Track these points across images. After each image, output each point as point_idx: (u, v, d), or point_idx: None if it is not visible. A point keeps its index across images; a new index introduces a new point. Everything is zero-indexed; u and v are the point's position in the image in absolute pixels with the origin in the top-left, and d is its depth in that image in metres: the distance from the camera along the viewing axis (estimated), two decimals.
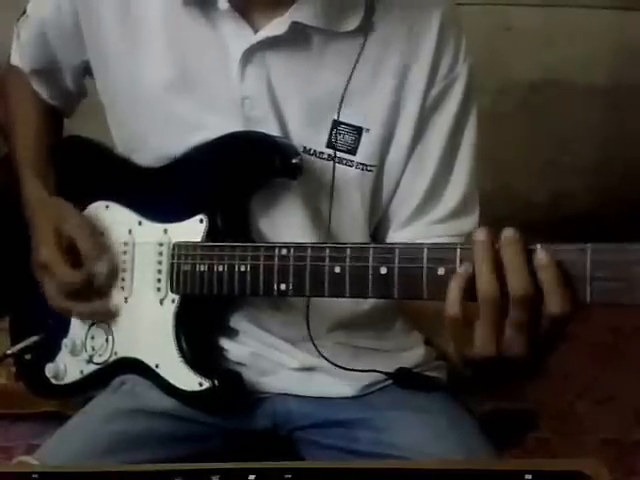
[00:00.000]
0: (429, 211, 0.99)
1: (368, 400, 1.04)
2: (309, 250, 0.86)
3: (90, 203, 1.03)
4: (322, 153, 0.96)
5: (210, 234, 0.95)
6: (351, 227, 0.99)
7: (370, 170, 0.97)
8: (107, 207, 1.03)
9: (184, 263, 0.96)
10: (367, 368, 1.02)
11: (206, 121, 0.96)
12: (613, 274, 0.70)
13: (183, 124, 0.97)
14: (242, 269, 0.90)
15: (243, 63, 0.94)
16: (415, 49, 0.94)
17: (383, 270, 0.80)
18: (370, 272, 0.81)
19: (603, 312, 1.95)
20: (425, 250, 0.78)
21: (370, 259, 0.81)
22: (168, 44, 0.95)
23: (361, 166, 0.97)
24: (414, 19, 0.94)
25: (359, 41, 0.94)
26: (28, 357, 1.08)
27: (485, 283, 0.72)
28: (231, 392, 0.99)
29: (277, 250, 0.87)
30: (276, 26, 0.92)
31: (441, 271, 0.77)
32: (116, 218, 1.02)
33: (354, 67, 0.94)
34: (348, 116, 0.96)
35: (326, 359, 0.99)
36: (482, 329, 0.73)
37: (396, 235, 1.00)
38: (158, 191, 1.01)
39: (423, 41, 0.94)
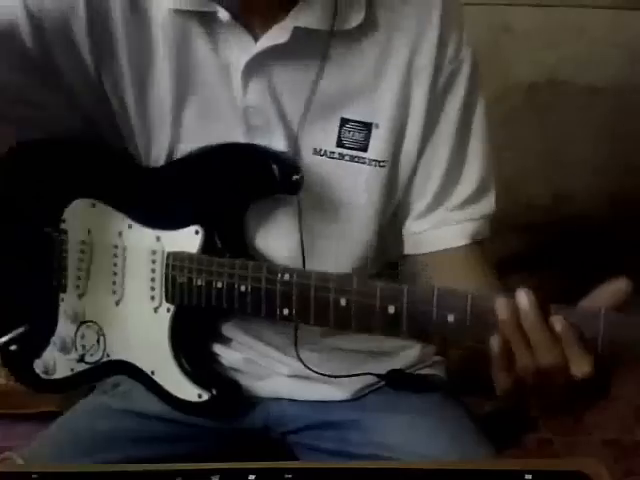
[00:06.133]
0: (447, 198, 0.99)
1: (361, 402, 1.04)
2: (313, 278, 0.84)
3: (75, 198, 1.01)
4: (333, 152, 0.95)
5: (206, 247, 0.94)
6: (359, 224, 0.98)
7: (383, 165, 0.96)
8: (93, 205, 1.00)
9: (180, 275, 0.94)
10: (360, 371, 1.01)
11: (209, 130, 0.95)
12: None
13: (188, 138, 0.96)
14: (242, 289, 0.89)
15: (246, 74, 0.92)
16: (419, 38, 0.93)
17: (391, 309, 0.79)
18: (377, 310, 0.80)
19: None
20: (435, 296, 0.77)
21: (377, 297, 0.80)
22: (171, 58, 0.93)
23: (374, 162, 0.96)
24: (415, 8, 0.93)
25: (362, 37, 0.93)
26: (14, 348, 1.07)
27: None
28: (230, 401, 0.99)
29: (280, 275, 0.86)
30: (278, 33, 0.90)
31: (451, 318, 0.76)
32: (103, 218, 0.99)
33: (358, 63, 0.94)
34: (356, 113, 0.95)
35: (314, 371, 0.99)
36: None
37: (415, 224, 1.00)
38: (150, 194, 0.99)
39: (426, 30, 0.93)
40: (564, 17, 2.00)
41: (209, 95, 0.94)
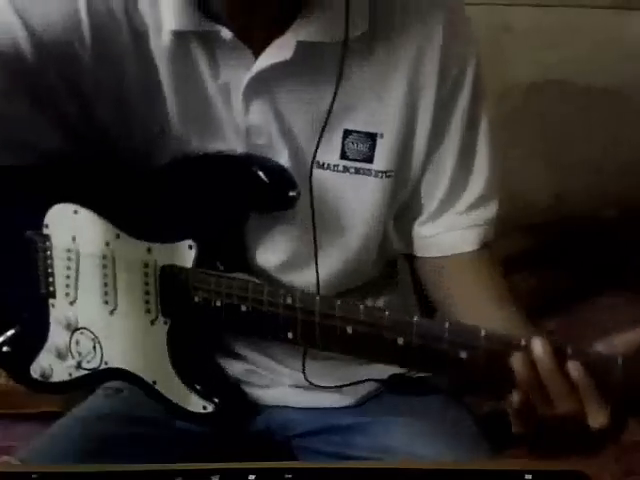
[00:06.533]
0: (455, 203, 0.99)
1: (364, 407, 1.04)
2: (317, 304, 0.82)
3: (55, 203, 0.99)
4: (337, 166, 0.94)
5: (201, 262, 0.92)
6: (364, 233, 0.97)
7: (389, 176, 0.95)
8: (75, 212, 0.98)
9: (175, 290, 0.92)
10: (362, 378, 1.01)
11: (212, 149, 0.94)
12: None
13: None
14: (243, 309, 0.86)
15: (247, 94, 0.90)
16: (423, 47, 0.92)
17: (400, 341, 0.77)
18: (387, 342, 0.78)
19: (604, 313, 1.95)
20: (446, 332, 0.75)
21: (385, 329, 0.78)
22: (174, 81, 0.92)
23: (380, 174, 0.94)
24: (419, 17, 0.92)
25: (365, 46, 0.91)
26: (7, 350, 1.06)
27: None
28: (235, 412, 0.98)
29: (281, 298, 0.84)
30: (280, 49, 0.88)
31: (463, 354, 0.75)
32: (87, 226, 0.97)
33: (362, 74, 0.92)
34: (359, 124, 0.93)
35: (318, 386, 0.98)
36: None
37: (424, 228, 1.00)
38: (139, 203, 0.96)
39: (430, 38, 0.92)
40: (564, 17, 2.00)
41: (211, 116, 0.93)
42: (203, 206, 0.93)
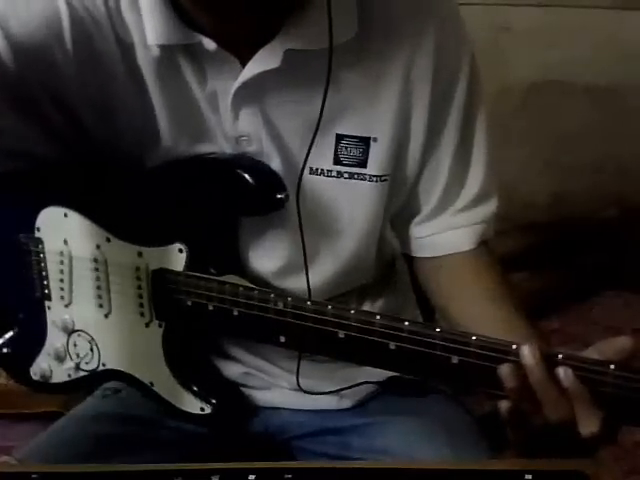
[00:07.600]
0: (451, 203, 0.98)
1: (363, 408, 1.03)
2: (308, 310, 0.81)
3: (45, 206, 0.98)
4: (330, 171, 0.93)
5: (192, 265, 0.91)
6: (360, 238, 0.97)
7: (384, 180, 0.93)
8: (65, 215, 0.97)
9: (168, 294, 0.91)
10: (360, 380, 1.01)
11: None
12: None
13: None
14: (235, 313, 0.86)
15: (235, 102, 0.89)
16: (415, 49, 0.89)
17: (392, 346, 0.77)
18: (378, 346, 0.77)
19: (603, 313, 1.95)
20: (437, 336, 0.75)
21: (376, 333, 0.77)
22: (162, 93, 0.90)
23: (374, 178, 0.93)
24: (410, 19, 0.91)
25: (355, 51, 0.89)
26: (6, 351, 1.06)
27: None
28: (233, 413, 0.98)
29: (272, 303, 0.83)
30: (267, 57, 0.87)
31: (455, 360, 0.74)
32: (77, 229, 0.96)
33: (352, 78, 0.90)
34: (351, 128, 0.91)
35: (314, 392, 0.97)
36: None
37: (418, 229, 0.99)
38: (129, 207, 0.95)
39: (422, 40, 0.90)
40: (564, 17, 2.00)
41: (201, 124, 0.91)
42: (191, 209, 0.92)
